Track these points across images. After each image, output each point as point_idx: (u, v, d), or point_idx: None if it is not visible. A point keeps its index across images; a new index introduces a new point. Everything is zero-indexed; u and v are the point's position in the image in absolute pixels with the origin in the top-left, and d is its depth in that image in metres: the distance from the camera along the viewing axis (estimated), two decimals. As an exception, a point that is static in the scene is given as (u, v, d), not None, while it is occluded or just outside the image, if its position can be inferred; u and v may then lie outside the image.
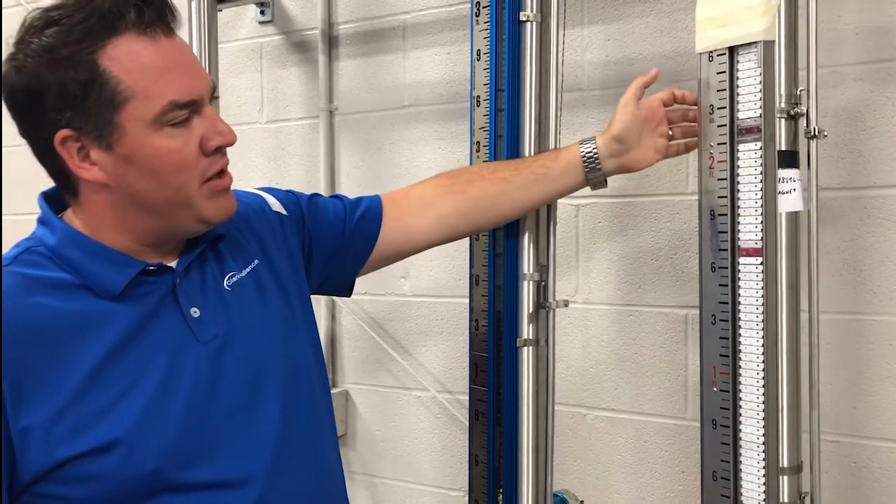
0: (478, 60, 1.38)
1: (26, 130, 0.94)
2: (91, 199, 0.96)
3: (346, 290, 1.29)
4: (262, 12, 2.00)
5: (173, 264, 0.99)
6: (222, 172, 0.98)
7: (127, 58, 0.89)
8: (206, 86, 0.95)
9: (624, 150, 1.24)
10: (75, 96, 0.89)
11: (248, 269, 1.06)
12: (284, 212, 1.17)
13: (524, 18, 1.33)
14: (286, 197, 1.20)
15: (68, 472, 0.88)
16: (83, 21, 0.89)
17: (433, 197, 1.27)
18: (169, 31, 0.94)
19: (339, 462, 1.14)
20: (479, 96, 1.39)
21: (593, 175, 1.25)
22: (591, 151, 1.24)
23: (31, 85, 0.90)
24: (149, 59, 0.90)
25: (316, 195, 1.24)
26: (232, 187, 1.02)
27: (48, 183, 1.01)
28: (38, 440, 0.87)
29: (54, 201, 1.00)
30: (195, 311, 0.98)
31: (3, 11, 2.18)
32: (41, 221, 0.99)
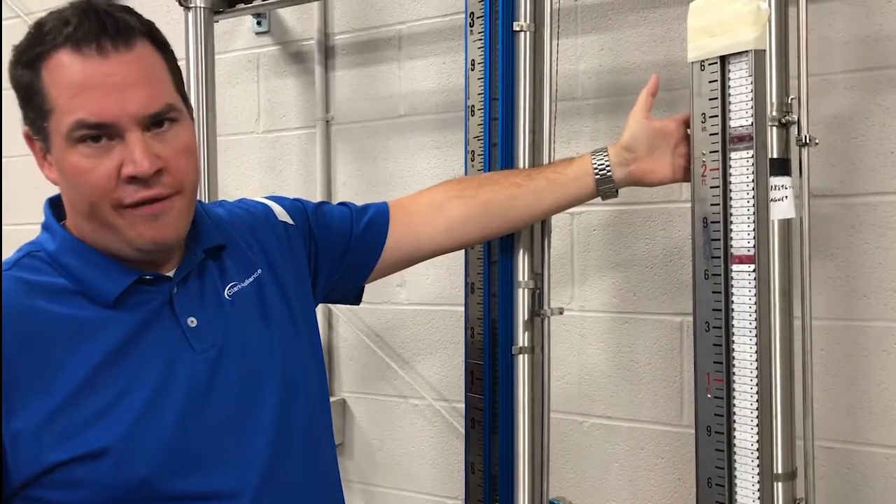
0: (472, 70, 1.39)
1: None
2: (65, 201, 0.99)
3: (355, 299, 1.29)
4: (259, 23, 2.01)
5: (171, 273, 1.00)
6: (154, 200, 0.93)
7: (56, 71, 0.90)
8: (133, 110, 0.90)
9: (633, 158, 1.23)
10: (24, 98, 0.94)
11: (250, 279, 1.06)
12: (291, 221, 1.17)
13: (518, 28, 1.34)
14: (293, 206, 1.20)
15: (58, 477, 0.89)
16: (45, 29, 0.91)
17: (443, 201, 1.26)
18: (106, 51, 0.90)
19: (336, 475, 1.14)
20: (473, 106, 1.39)
21: (603, 183, 1.24)
22: (601, 159, 1.24)
23: (11, 81, 0.95)
24: (70, 75, 0.90)
25: (323, 203, 1.24)
26: (228, 199, 1.01)
27: (45, 192, 1.02)
28: (28, 444, 0.88)
29: (59, 207, 1.01)
30: (192, 321, 0.98)
31: (4, 23, 2.19)
32: (43, 227, 1.00)
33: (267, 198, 1.20)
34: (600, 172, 1.24)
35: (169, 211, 0.94)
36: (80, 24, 0.90)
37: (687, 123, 1.21)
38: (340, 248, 1.21)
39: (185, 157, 0.95)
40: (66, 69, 0.90)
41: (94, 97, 0.89)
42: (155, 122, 0.92)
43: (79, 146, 0.90)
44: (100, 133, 0.90)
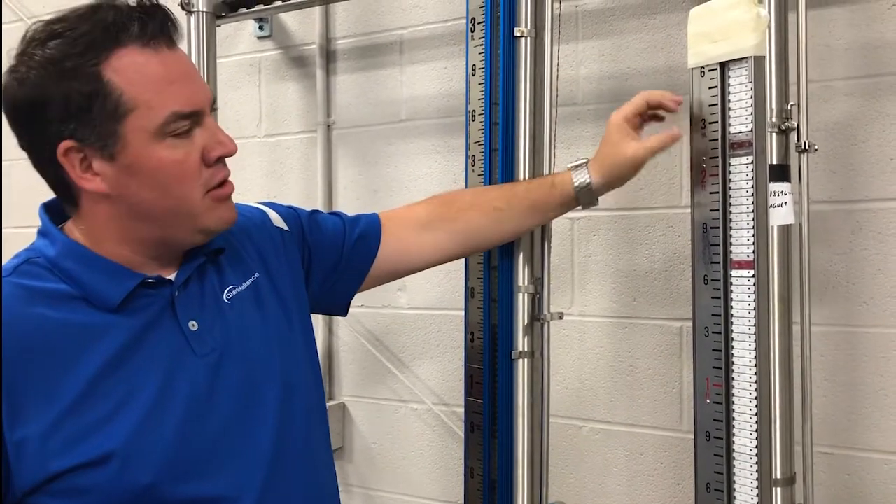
0: (473, 75, 1.39)
1: (28, 142, 0.95)
2: (92, 210, 0.96)
3: (342, 310, 1.29)
4: (261, 27, 2.01)
5: (172, 277, 1.00)
6: (224, 182, 0.99)
7: (131, 69, 0.91)
8: (207, 97, 0.97)
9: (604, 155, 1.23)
10: (80, 107, 0.90)
11: (247, 283, 1.07)
12: (286, 227, 1.17)
13: (519, 34, 1.34)
14: (287, 212, 1.20)
15: (63, 484, 0.88)
16: (87, 33, 0.90)
17: (428, 222, 1.27)
18: (171, 44, 0.95)
19: (334, 478, 1.14)
20: (474, 111, 1.40)
21: (586, 200, 1.24)
22: (583, 182, 1.22)
23: (34, 97, 0.91)
24: (152, 70, 0.92)
25: (316, 212, 1.25)
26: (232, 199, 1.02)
27: (47, 195, 1.02)
28: (33, 452, 0.87)
29: (55, 213, 1.00)
30: (193, 325, 0.98)
31: (3, 26, 2.20)
32: (41, 233, 0.99)
33: (261, 203, 1.21)
34: (582, 196, 1.23)
35: (232, 192, 1.01)
36: (144, 24, 0.92)
37: (648, 101, 1.20)
38: (333, 257, 1.21)
39: None
40: (145, 65, 0.92)
41: (180, 88, 0.93)
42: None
43: (167, 139, 0.92)
44: (192, 123, 0.94)
